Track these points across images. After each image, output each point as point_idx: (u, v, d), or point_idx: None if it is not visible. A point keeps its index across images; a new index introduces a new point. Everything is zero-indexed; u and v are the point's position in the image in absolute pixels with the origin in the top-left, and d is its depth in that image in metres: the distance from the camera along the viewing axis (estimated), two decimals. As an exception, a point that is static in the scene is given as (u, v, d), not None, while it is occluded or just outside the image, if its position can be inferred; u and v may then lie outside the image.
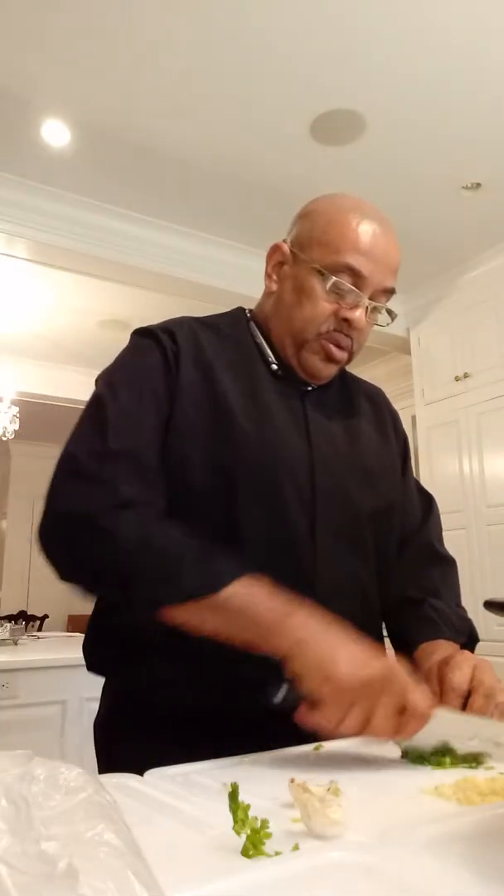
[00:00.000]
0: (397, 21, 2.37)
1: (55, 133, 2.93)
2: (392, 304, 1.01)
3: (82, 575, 0.87)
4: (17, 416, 5.82)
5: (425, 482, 4.10)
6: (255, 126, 2.90)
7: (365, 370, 5.33)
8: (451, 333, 4.07)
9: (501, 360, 3.75)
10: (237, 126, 2.90)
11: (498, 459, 3.71)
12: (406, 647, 0.96)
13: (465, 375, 3.93)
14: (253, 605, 0.77)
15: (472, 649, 0.99)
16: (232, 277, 3.69)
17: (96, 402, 0.93)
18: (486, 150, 3.04)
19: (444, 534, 1.15)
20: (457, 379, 3.98)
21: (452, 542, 4.26)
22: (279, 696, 0.73)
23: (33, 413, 6.07)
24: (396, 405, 1.21)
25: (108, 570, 0.83)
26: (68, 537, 0.85)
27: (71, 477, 0.87)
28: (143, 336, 1.00)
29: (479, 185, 3.28)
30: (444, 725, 0.75)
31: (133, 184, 3.30)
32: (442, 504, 1.15)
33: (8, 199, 3.25)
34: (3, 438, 5.99)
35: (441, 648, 0.93)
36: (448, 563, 1.12)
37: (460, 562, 1.02)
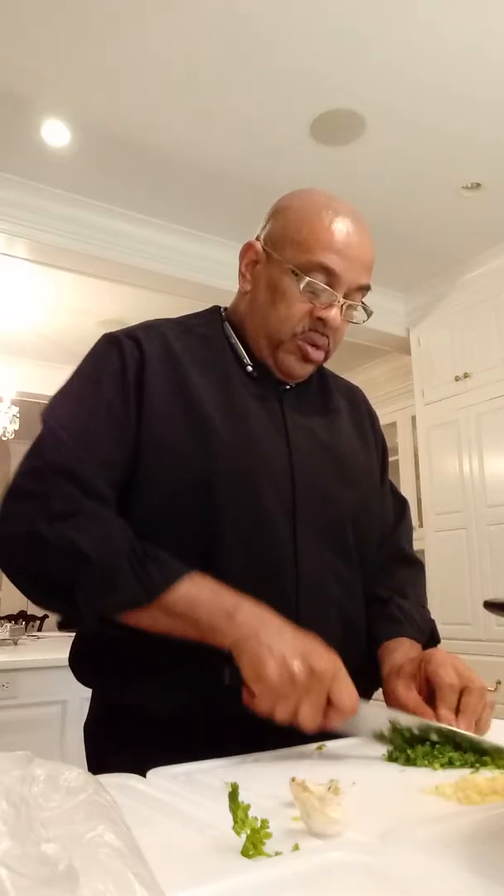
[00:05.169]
0: (397, 21, 2.37)
1: (55, 133, 2.93)
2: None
3: (33, 590, 0.87)
4: (17, 416, 5.82)
5: (425, 482, 4.13)
6: (254, 126, 2.90)
7: (365, 370, 5.33)
8: (451, 333, 4.07)
9: (501, 360, 3.74)
10: (237, 126, 2.90)
11: (498, 459, 3.71)
12: (370, 643, 0.98)
13: (465, 375, 3.93)
14: (196, 607, 0.79)
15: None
16: (232, 278, 3.66)
17: (42, 423, 0.93)
18: (486, 150, 3.04)
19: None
20: (457, 379, 3.98)
21: (452, 542, 4.29)
22: (227, 678, 0.78)
23: (33, 413, 6.05)
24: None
25: (51, 583, 0.84)
26: (13, 557, 0.86)
27: (9, 499, 0.87)
28: (106, 342, 0.98)
29: (479, 185, 3.28)
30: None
31: (133, 184, 3.30)
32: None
33: (8, 199, 3.24)
34: (3, 438, 5.98)
35: (403, 646, 0.95)
36: (416, 565, 1.14)
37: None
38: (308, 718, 0.74)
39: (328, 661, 0.76)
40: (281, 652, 0.75)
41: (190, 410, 0.93)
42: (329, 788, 0.53)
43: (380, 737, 0.80)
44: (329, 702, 0.75)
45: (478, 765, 0.73)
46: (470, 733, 0.77)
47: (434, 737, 0.77)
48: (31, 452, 0.91)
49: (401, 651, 0.94)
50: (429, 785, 0.65)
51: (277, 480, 0.94)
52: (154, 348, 0.97)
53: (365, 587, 1.02)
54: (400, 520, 1.15)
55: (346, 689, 0.76)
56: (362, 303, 1.00)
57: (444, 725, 0.78)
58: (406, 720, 0.79)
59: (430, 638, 1.02)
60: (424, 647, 0.98)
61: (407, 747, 0.77)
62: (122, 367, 0.94)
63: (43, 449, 0.89)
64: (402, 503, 1.18)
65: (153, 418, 0.92)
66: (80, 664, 0.96)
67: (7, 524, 0.86)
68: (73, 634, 1.01)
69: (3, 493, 0.89)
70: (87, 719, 0.98)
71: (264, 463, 0.94)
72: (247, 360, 1.02)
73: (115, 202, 3.44)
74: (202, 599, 0.80)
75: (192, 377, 0.96)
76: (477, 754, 0.75)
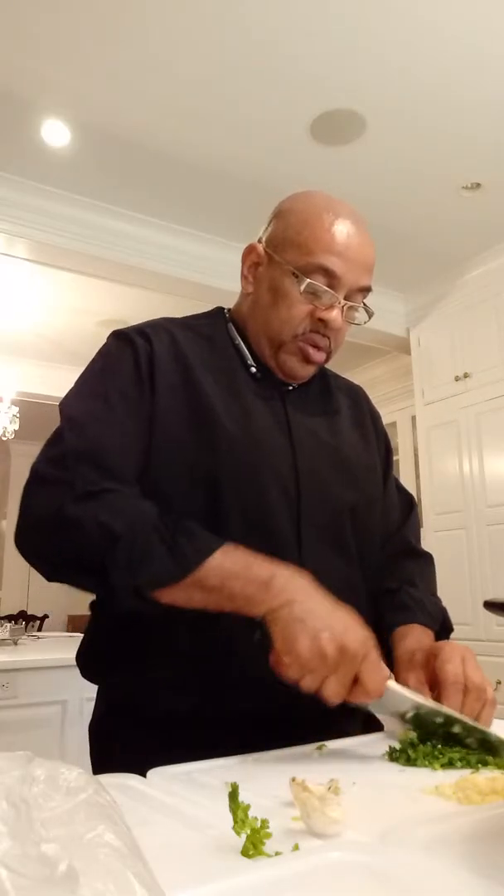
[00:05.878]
0: (397, 21, 2.37)
1: (55, 133, 2.93)
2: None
3: (63, 571, 0.87)
4: (17, 416, 5.82)
5: (425, 482, 4.13)
6: (254, 126, 2.90)
7: (365, 370, 5.33)
8: (451, 333, 4.07)
9: (501, 360, 3.75)
10: (237, 126, 2.90)
11: (498, 459, 3.71)
12: (381, 632, 0.97)
13: (465, 375, 3.93)
14: (230, 578, 0.79)
15: (445, 637, 1.01)
16: (232, 278, 3.65)
17: (60, 414, 0.94)
18: (486, 150, 3.04)
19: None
20: (457, 379, 3.98)
21: (452, 542, 4.28)
22: (256, 636, 0.78)
23: (33, 413, 6.07)
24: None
25: (82, 562, 0.83)
26: (41, 538, 0.86)
27: (33, 486, 0.88)
28: (116, 339, 1.00)
29: (479, 185, 3.28)
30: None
31: (133, 184, 3.30)
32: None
33: (8, 199, 3.24)
34: (3, 438, 5.99)
35: (414, 633, 0.95)
36: (424, 558, 1.14)
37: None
38: (333, 694, 0.75)
39: (360, 641, 0.76)
40: (314, 627, 0.75)
41: (196, 406, 0.94)
42: (329, 788, 0.53)
43: (400, 717, 0.81)
44: (356, 680, 0.75)
45: (478, 765, 0.73)
46: (495, 733, 0.77)
47: (457, 729, 0.77)
48: (51, 442, 0.91)
49: (411, 637, 0.94)
50: (429, 785, 0.65)
51: (282, 478, 0.94)
52: (163, 345, 0.98)
53: (370, 586, 1.03)
54: (407, 516, 1.16)
55: (374, 671, 0.76)
56: (363, 304, 1.01)
57: (467, 719, 0.78)
58: (430, 708, 0.79)
59: (442, 625, 1.02)
60: (437, 635, 0.98)
61: (422, 735, 0.78)
62: (136, 361, 0.95)
63: (63, 437, 0.90)
64: (409, 500, 1.19)
65: (162, 412, 0.93)
66: (88, 662, 0.96)
67: (32, 510, 0.86)
68: (72, 634, 1.01)
69: (26, 481, 0.89)
70: (93, 718, 0.98)
71: (269, 461, 0.94)
72: (250, 360, 1.03)
73: (115, 202, 3.44)
74: (236, 571, 0.79)
75: (198, 375, 0.97)
76: (484, 753, 0.75)
